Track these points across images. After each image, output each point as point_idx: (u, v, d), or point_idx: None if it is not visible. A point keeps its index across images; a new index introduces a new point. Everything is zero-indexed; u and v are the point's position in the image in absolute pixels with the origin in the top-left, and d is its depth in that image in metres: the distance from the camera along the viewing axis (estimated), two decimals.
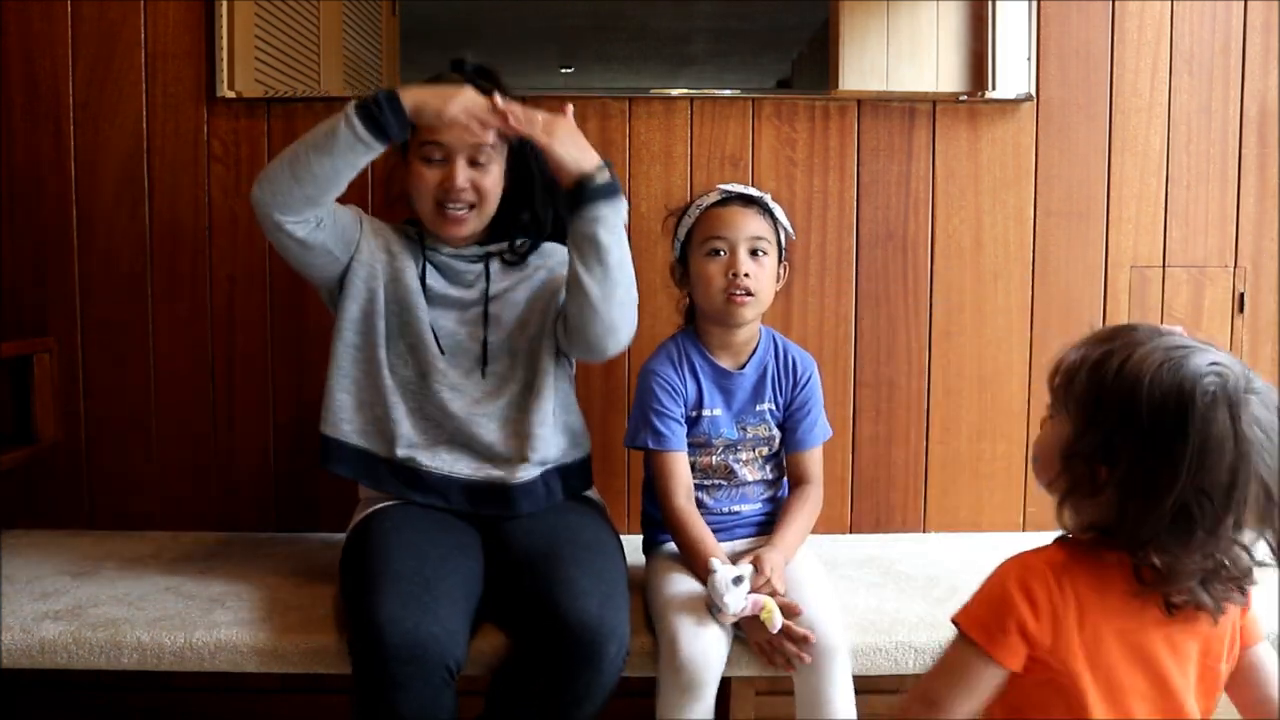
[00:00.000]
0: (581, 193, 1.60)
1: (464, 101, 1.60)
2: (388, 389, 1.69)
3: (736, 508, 1.73)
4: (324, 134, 1.59)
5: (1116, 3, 2.07)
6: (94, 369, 2.07)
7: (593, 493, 1.82)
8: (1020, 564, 1.06)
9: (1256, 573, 1.03)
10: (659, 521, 1.72)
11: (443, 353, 1.70)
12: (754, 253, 1.68)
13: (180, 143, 2.04)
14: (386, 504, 1.68)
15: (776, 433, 1.75)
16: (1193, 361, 0.99)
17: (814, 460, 1.77)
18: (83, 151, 2.04)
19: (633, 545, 1.77)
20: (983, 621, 1.05)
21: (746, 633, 1.53)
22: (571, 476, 1.74)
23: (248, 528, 2.08)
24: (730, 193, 1.72)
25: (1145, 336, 1.03)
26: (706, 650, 1.48)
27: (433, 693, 1.39)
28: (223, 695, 2.03)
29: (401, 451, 1.67)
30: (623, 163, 2.04)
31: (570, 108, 1.65)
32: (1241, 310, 2.12)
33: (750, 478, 1.74)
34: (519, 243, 1.76)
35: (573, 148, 1.61)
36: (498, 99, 1.60)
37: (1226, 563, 1.00)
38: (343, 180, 1.61)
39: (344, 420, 1.69)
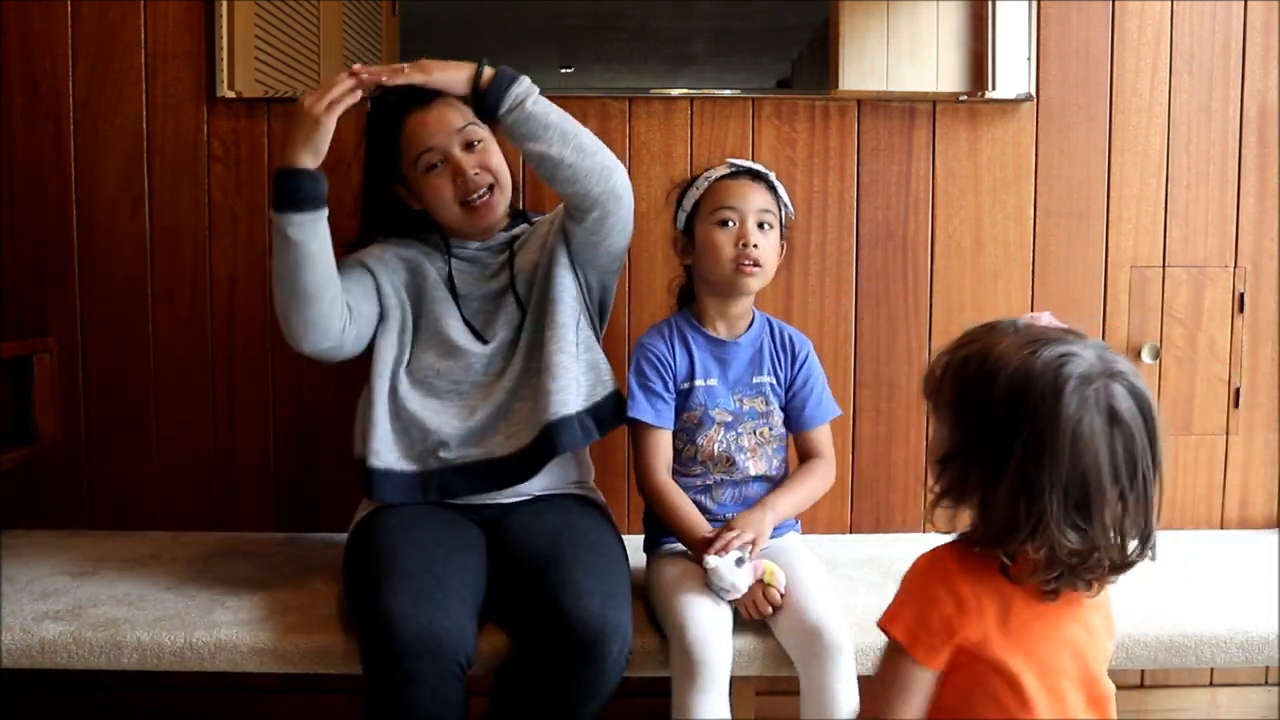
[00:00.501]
0: (485, 92, 1.58)
1: (313, 93, 1.56)
2: (422, 406, 1.67)
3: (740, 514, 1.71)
4: (278, 256, 1.58)
5: (1116, 3, 2.07)
6: (94, 369, 2.07)
7: (595, 492, 1.82)
8: (936, 558, 1.08)
9: (1129, 555, 1.04)
10: (662, 526, 1.72)
11: (486, 343, 1.70)
12: (761, 226, 1.70)
13: (180, 143, 2.04)
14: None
15: (776, 408, 1.75)
16: (1044, 354, 1.00)
17: (824, 438, 1.78)
18: (83, 151, 2.04)
19: (633, 545, 1.77)
20: (907, 624, 1.07)
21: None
22: (604, 411, 1.71)
23: (248, 528, 2.08)
24: (739, 166, 1.74)
25: (1003, 334, 1.05)
26: (715, 641, 1.49)
27: (445, 688, 1.40)
28: (223, 695, 2.03)
29: (454, 454, 1.66)
30: (623, 163, 2.03)
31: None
32: (1241, 310, 2.12)
33: (754, 470, 1.72)
34: (534, 220, 1.80)
35: (450, 69, 1.60)
36: (355, 66, 1.58)
37: (1097, 549, 1.01)
38: (329, 259, 1.60)
39: (389, 450, 1.67)
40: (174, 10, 2.02)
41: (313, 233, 1.56)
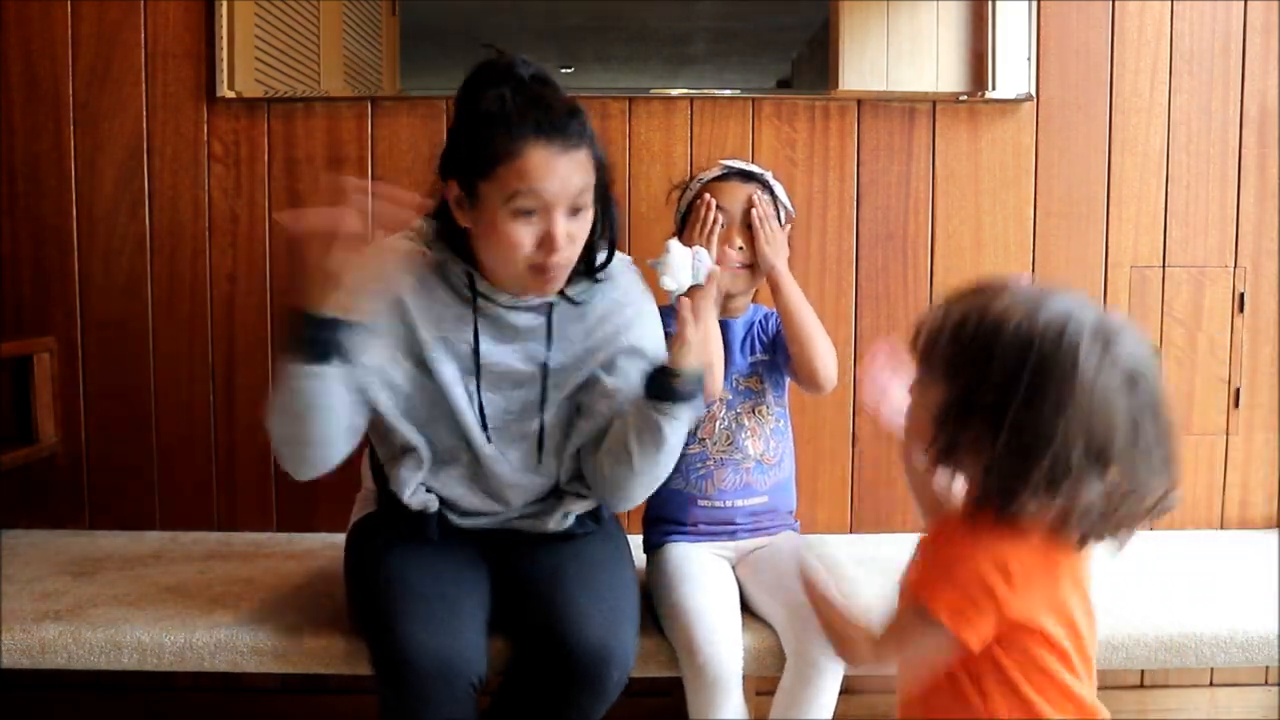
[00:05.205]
0: (672, 383, 1.45)
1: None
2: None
3: (739, 501, 1.73)
4: (279, 396, 1.39)
5: (1116, 3, 2.07)
6: (94, 369, 2.07)
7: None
8: (972, 529, 1.03)
9: (1152, 504, 1.02)
10: (661, 519, 1.73)
11: (490, 442, 1.53)
12: (751, 226, 1.71)
13: (180, 143, 2.04)
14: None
15: (768, 388, 1.75)
16: (1048, 308, 1.00)
17: None
18: (83, 151, 2.04)
19: (633, 543, 1.77)
20: (956, 606, 1.02)
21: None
22: (600, 512, 1.65)
23: (248, 528, 2.08)
24: (731, 168, 1.75)
25: (999, 290, 1.03)
26: (726, 648, 1.50)
27: (459, 708, 1.39)
28: (223, 695, 2.03)
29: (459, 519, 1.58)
30: (623, 163, 2.04)
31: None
32: (1241, 310, 2.12)
33: (753, 450, 1.72)
34: (600, 278, 1.55)
35: (700, 338, 1.45)
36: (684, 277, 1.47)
37: (1122, 498, 1.00)
38: (345, 411, 1.42)
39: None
40: (174, 10, 2.02)
41: (320, 387, 1.38)
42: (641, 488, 1.55)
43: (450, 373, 1.49)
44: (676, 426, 1.48)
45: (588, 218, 1.45)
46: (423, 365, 1.49)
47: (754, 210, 1.70)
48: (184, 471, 2.08)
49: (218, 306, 2.06)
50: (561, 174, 1.39)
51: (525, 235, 1.40)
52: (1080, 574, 1.07)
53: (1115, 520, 1.01)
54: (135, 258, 2.05)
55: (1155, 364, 1.01)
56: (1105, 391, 0.97)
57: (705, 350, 1.50)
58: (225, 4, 1.99)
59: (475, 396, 1.51)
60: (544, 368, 1.52)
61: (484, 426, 1.52)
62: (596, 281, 1.54)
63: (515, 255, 1.42)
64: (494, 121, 1.39)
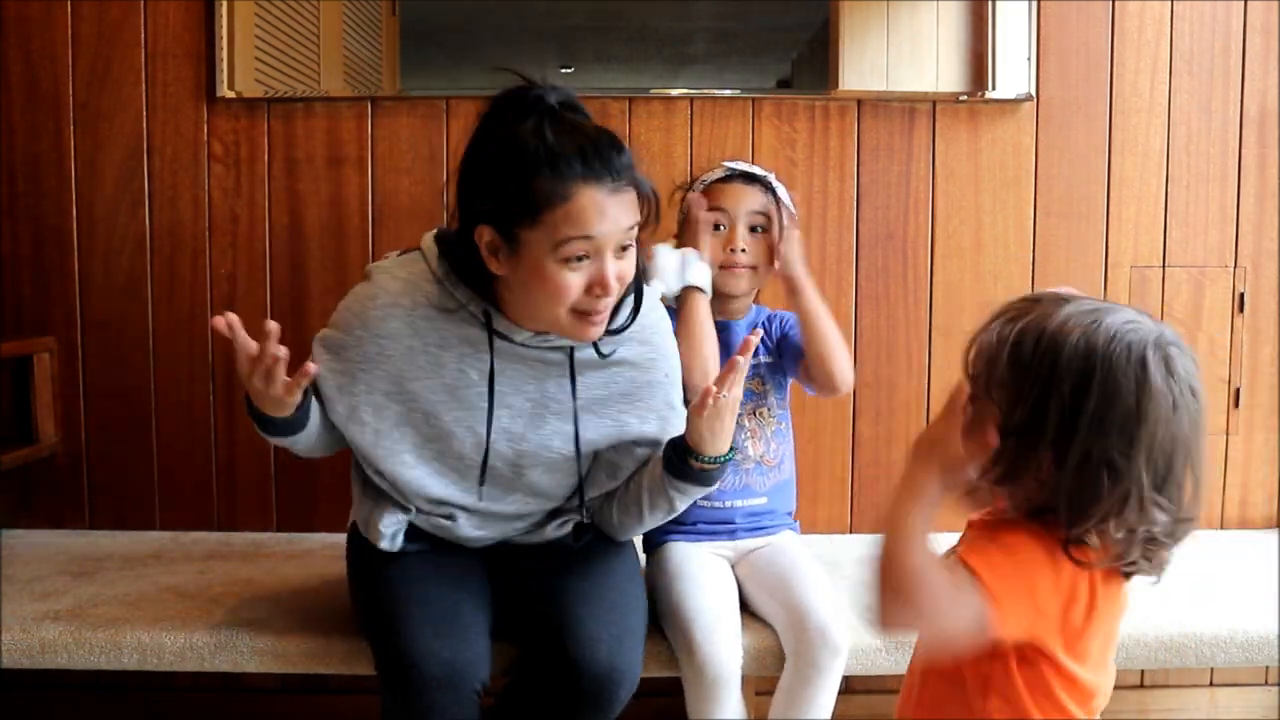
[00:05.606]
0: (694, 468, 1.44)
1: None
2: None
3: (738, 501, 1.72)
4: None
5: (1116, 3, 2.07)
6: (94, 369, 2.07)
7: None
8: (1051, 548, 0.99)
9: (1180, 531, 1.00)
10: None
11: (481, 497, 1.50)
12: (754, 229, 1.71)
13: (180, 143, 2.04)
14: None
15: (771, 390, 1.75)
16: (1107, 321, 0.96)
17: None
18: (83, 151, 2.04)
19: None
20: (1004, 585, 0.98)
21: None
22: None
23: (248, 528, 2.08)
24: (734, 170, 1.74)
25: (1052, 305, 0.99)
26: (725, 647, 1.50)
27: (464, 711, 1.39)
28: (223, 695, 2.03)
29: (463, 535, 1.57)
30: None
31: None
32: (1241, 310, 2.12)
33: (753, 452, 1.73)
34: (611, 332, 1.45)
35: (723, 426, 1.42)
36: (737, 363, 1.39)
37: (1158, 525, 0.97)
38: (317, 433, 1.49)
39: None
40: (174, 10, 2.02)
41: (291, 441, 1.48)
42: (644, 530, 1.61)
43: (454, 417, 1.45)
44: (687, 500, 1.52)
45: (633, 256, 1.38)
46: (419, 415, 1.45)
47: (773, 216, 1.71)
48: (184, 471, 2.08)
49: (218, 306, 2.05)
50: (612, 215, 1.32)
51: (574, 281, 1.33)
52: (1117, 612, 1.05)
53: (1167, 545, 0.99)
54: (135, 258, 2.05)
55: (1198, 380, 0.98)
56: (1170, 408, 0.95)
57: (730, 430, 1.44)
58: (225, 4, 1.99)
59: (484, 443, 1.46)
60: (574, 413, 1.47)
61: (482, 477, 1.48)
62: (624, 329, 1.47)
63: (562, 302, 1.34)
64: (536, 163, 1.30)
